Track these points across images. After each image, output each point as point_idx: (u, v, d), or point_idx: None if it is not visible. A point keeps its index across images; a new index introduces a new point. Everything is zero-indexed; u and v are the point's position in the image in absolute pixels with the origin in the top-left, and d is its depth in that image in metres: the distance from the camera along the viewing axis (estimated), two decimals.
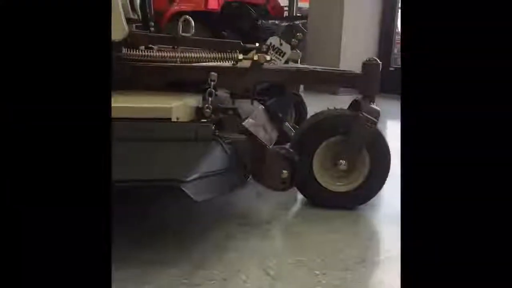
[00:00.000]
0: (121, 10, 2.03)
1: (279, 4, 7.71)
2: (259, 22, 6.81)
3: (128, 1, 2.28)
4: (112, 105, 1.97)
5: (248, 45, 2.37)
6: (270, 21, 7.15)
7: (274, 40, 2.31)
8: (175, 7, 6.75)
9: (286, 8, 8.64)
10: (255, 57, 2.24)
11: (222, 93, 2.47)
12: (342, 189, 2.20)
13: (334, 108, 2.23)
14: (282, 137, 2.80)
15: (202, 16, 6.08)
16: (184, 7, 6.65)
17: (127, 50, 2.16)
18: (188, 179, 1.49)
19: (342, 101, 2.53)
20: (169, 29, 5.74)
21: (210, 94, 2.14)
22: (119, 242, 1.78)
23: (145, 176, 1.56)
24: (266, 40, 6.27)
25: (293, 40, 2.34)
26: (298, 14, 8.98)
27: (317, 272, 1.64)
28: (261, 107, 2.74)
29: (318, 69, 2.45)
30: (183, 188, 1.45)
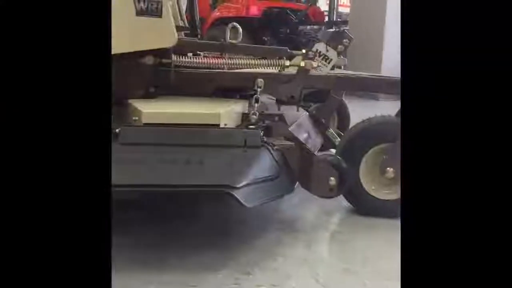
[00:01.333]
0: (171, 18, 2.07)
1: (319, 9, 7.69)
2: (300, 28, 6.81)
3: (177, 9, 2.33)
4: (161, 111, 2.04)
5: (295, 52, 2.37)
6: (308, 27, 7.14)
7: (320, 47, 2.31)
8: (217, 13, 6.84)
9: (326, 13, 8.61)
10: (302, 64, 2.24)
11: (268, 99, 2.48)
12: (389, 197, 2.16)
13: (382, 114, 2.20)
14: (326, 143, 2.79)
15: (243, 22, 6.12)
16: (226, 13, 6.72)
17: (176, 57, 2.20)
18: (239, 185, 1.50)
19: (384, 107, 2.50)
20: (211, 35, 5.82)
21: (257, 100, 2.16)
22: (168, 245, 1.81)
23: (196, 182, 1.58)
24: (306, 45, 6.25)
25: (339, 46, 2.33)
26: (338, 19, 8.94)
27: (367, 282, 1.63)
28: (306, 113, 2.74)
29: (365, 76, 2.43)
30: (234, 194, 1.46)
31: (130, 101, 2.16)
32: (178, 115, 1.99)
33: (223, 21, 6.44)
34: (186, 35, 2.59)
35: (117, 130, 1.83)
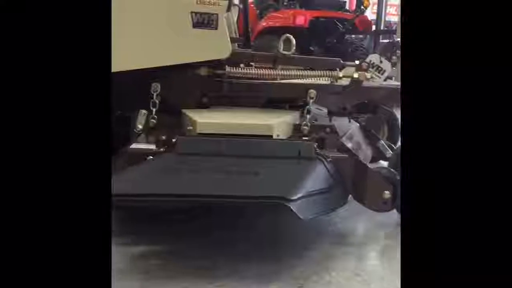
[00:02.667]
0: (226, 29, 2.10)
1: (367, 18, 7.60)
2: (346, 37, 6.76)
3: (232, 21, 2.36)
4: (215, 121, 2.06)
5: (347, 63, 2.35)
6: (353, 36, 7.05)
7: (374, 58, 2.29)
8: (263, 23, 6.87)
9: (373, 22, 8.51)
10: (355, 75, 2.22)
11: (319, 110, 2.47)
12: None
13: None
14: (377, 155, 2.75)
15: (289, 32, 6.12)
16: (272, 23, 6.74)
17: (230, 68, 2.22)
18: (295, 197, 1.50)
19: None
20: (257, 45, 5.85)
21: (308, 112, 2.16)
22: (221, 254, 1.83)
23: (251, 193, 1.59)
24: (352, 54, 6.13)
25: (393, 57, 2.30)
26: (385, 28, 8.82)
27: None
28: (356, 124, 2.71)
29: None
30: (290, 206, 1.46)
31: (183, 110, 2.20)
32: (231, 125, 2.01)
33: (269, 31, 6.46)
34: (238, 46, 2.62)
35: (173, 140, 1.87)
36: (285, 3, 7.18)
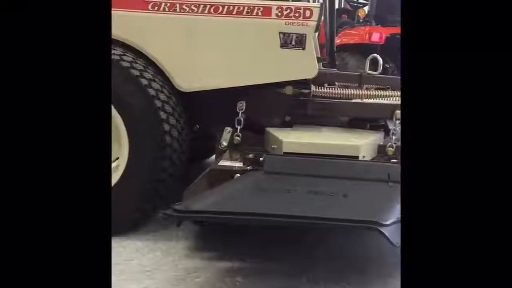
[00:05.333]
0: (314, 50, 2.11)
1: None
2: None
3: (318, 41, 2.37)
4: (301, 141, 2.06)
5: None
6: None
7: None
8: (337, 41, 6.83)
9: None
10: None
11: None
12: None
13: None
14: None
15: (365, 49, 6.05)
16: (347, 40, 6.69)
17: (315, 87, 2.22)
18: (387, 222, 1.45)
19: None
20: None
21: (394, 133, 2.12)
22: (303, 274, 1.81)
23: (341, 215, 1.56)
24: None
25: None
26: None
27: None
28: None
29: None
30: (384, 232, 1.42)
31: (267, 129, 2.22)
32: (317, 145, 2.01)
33: (343, 48, 6.41)
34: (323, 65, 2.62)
35: (261, 159, 1.89)
36: (360, 20, 7.11)
